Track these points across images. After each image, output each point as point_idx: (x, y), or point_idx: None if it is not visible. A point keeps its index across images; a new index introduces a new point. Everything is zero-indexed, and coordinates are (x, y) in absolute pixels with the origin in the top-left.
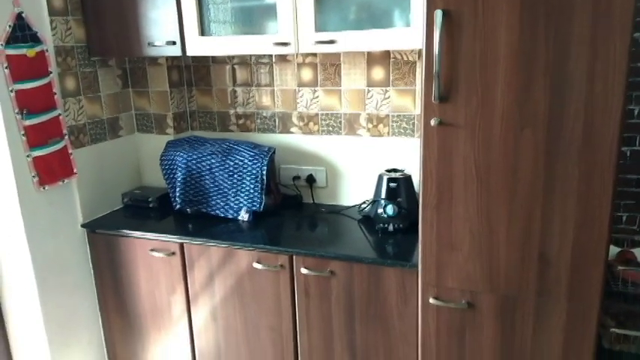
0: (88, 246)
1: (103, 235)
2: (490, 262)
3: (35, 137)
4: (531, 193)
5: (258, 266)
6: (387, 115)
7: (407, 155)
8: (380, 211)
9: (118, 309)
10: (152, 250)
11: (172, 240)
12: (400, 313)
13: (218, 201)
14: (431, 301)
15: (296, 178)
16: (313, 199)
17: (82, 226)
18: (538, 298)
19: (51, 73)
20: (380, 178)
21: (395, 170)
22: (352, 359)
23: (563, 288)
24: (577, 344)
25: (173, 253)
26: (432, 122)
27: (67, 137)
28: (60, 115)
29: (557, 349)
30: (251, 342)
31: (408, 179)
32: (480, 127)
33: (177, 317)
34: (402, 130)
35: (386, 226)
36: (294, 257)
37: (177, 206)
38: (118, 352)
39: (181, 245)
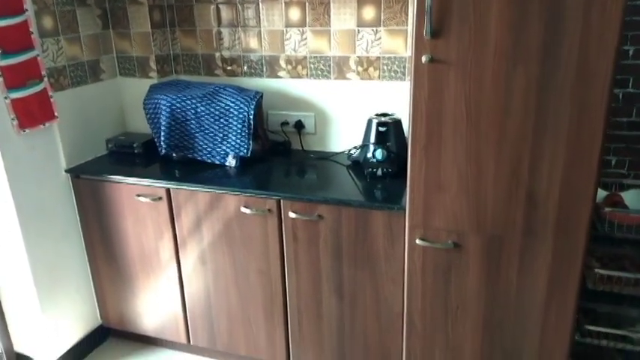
0: (72, 192)
1: (88, 180)
2: (477, 203)
3: (13, 78)
4: (521, 132)
5: (246, 211)
6: (378, 58)
7: (397, 99)
8: (369, 155)
9: (106, 255)
10: (138, 195)
11: (158, 185)
12: (387, 255)
13: (204, 146)
14: (417, 242)
15: (284, 124)
16: (302, 146)
17: (66, 171)
18: (524, 238)
19: (27, 10)
20: (369, 122)
21: (385, 115)
22: (340, 300)
23: (549, 228)
24: (562, 284)
25: (160, 198)
26: (423, 59)
27: (46, 79)
28: (38, 55)
29: (542, 289)
30: (240, 285)
31: (397, 123)
32: (472, 63)
33: (166, 262)
34: (393, 74)
35: (375, 170)
36: (281, 202)
37: (163, 151)
38: (107, 299)
39: (167, 190)
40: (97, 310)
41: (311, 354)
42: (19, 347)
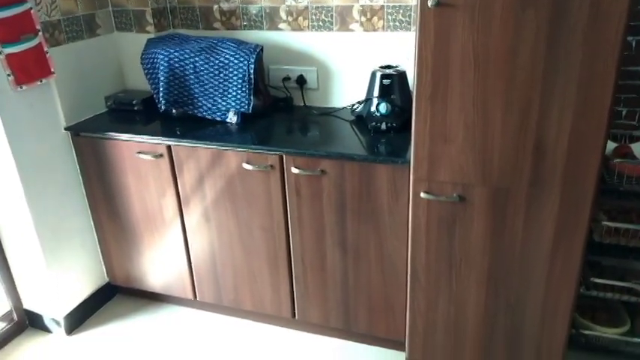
0: (73, 150)
1: (88, 138)
2: (484, 154)
3: (5, 32)
4: (530, 80)
5: (248, 167)
6: (382, 7)
7: (402, 51)
8: (373, 109)
9: (110, 213)
10: (139, 152)
11: (159, 142)
12: (391, 209)
13: (205, 102)
14: (422, 195)
15: (286, 79)
16: (304, 101)
17: (66, 129)
18: (531, 189)
19: None
20: (373, 75)
21: (389, 67)
22: (343, 255)
23: (557, 178)
24: (568, 236)
25: (161, 155)
26: (430, 3)
27: (40, 34)
28: (31, 9)
29: (548, 241)
30: (244, 241)
31: (402, 75)
32: (480, 7)
33: (170, 220)
34: (398, 24)
35: (378, 124)
36: (284, 157)
37: (162, 108)
38: (113, 257)
39: (169, 147)
40: (104, 268)
41: (316, 307)
42: (28, 304)
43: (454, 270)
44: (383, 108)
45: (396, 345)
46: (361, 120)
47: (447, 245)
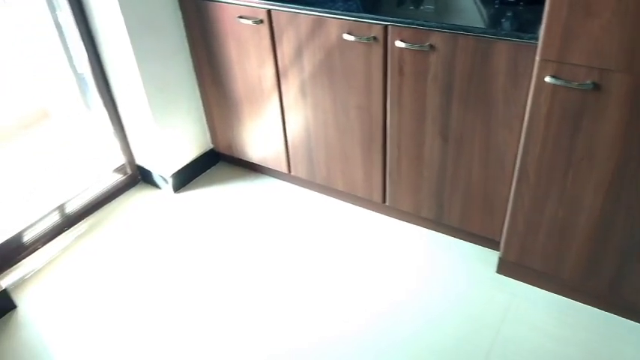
0: (180, 12)
1: None
2: (636, 32)
3: None
4: None
5: (349, 38)
6: None
7: None
8: None
9: (214, 81)
10: (240, 17)
11: (260, 5)
12: (506, 96)
13: None
14: (547, 80)
15: None
16: None
17: None
18: None
19: None
20: None
21: None
22: (444, 143)
23: None
24: None
25: (261, 21)
26: None
27: None
28: None
29: None
30: (339, 120)
31: None
32: None
33: (268, 92)
34: None
35: None
36: (389, 28)
37: None
38: (216, 124)
39: (269, 12)
40: (208, 135)
41: (408, 195)
42: (139, 160)
43: (572, 168)
44: None
45: (490, 243)
46: None
47: (567, 140)
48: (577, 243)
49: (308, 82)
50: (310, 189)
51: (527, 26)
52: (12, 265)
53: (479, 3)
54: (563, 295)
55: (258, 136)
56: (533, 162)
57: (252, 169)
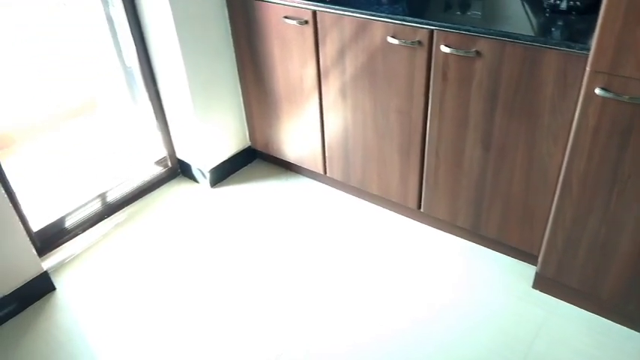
0: (226, 9)
1: None
2: None
3: None
4: None
5: (393, 41)
6: None
7: None
8: None
9: (255, 79)
10: (285, 17)
11: (306, 6)
12: (553, 107)
13: None
14: (597, 92)
15: None
16: None
17: None
18: None
19: None
20: None
21: None
22: (485, 152)
23: None
24: None
25: (306, 22)
26: None
27: None
28: None
29: None
30: (378, 123)
31: None
32: None
33: (309, 92)
34: None
35: (557, 2)
36: (434, 32)
37: None
38: (255, 122)
39: (314, 13)
40: (247, 132)
41: (444, 203)
42: (180, 154)
43: (617, 186)
44: None
45: (527, 257)
46: None
47: (614, 156)
48: (618, 264)
49: (349, 84)
50: (344, 191)
51: (577, 36)
52: (53, 249)
53: (529, 11)
54: (600, 315)
55: (296, 136)
56: (578, 176)
57: (288, 168)
